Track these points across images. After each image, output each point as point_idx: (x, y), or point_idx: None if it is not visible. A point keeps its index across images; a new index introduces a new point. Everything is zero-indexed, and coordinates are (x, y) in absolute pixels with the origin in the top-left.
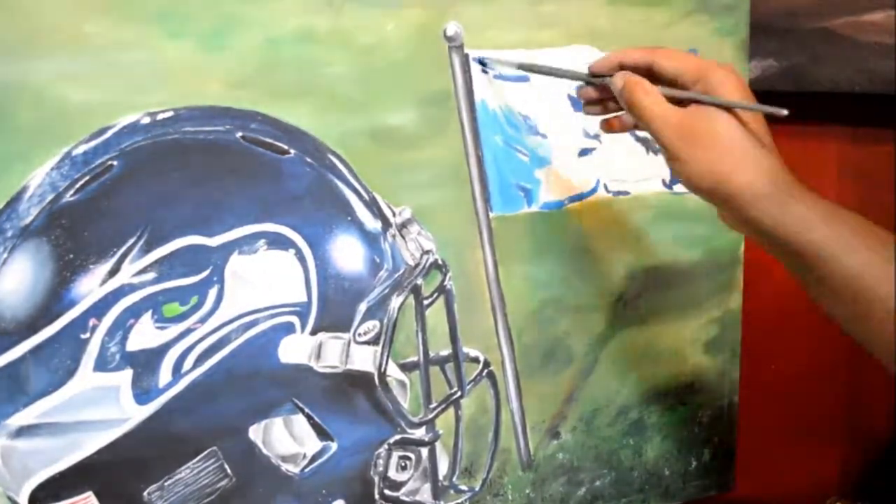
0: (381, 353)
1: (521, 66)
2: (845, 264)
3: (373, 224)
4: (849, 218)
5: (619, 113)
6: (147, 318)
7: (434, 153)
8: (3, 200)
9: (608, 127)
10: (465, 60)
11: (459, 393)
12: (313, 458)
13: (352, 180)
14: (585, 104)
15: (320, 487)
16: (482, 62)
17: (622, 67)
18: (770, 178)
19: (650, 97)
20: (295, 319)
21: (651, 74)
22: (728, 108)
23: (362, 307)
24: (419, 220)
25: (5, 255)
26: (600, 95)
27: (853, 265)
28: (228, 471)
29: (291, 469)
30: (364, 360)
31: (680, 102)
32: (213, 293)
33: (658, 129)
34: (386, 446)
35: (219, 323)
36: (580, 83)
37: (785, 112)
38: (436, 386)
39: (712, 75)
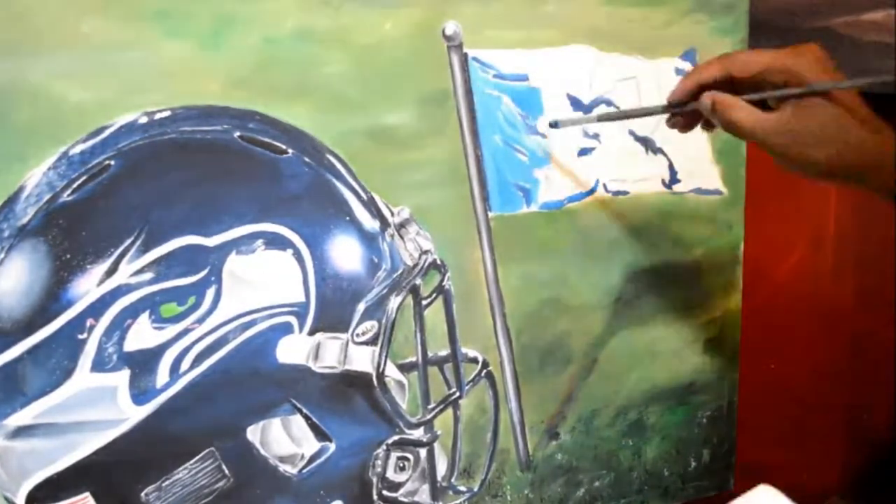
0: (380, 354)
1: (601, 118)
2: None
3: (371, 224)
4: None
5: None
6: (145, 318)
7: (433, 153)
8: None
9: (709, 128)
10: (464, 60)
11: (458, 393)
12: (311, 459)
13: (350, 180)
14: (681, 129)
15: (318, 488)
16: (554, 125)
17: (702, 87)
18: (882, 149)
19: (743, 112)
20: (293, 320)
21: (733, 83)
22: (819, 92)
23: (360, 307)
24: (418, 219)
25: (2, 256)
26: (690, 121)
27: None
28: (226, 471)
29: (289, 470)
30: (362, 360)
31: (774, 101)
32: (210, 293)
33: (763, 140)
34: (384, 447)
35: (217, 323)
36: (667, 116)
37: (891, 78)
38: (434, 386)
39: (794, 63)
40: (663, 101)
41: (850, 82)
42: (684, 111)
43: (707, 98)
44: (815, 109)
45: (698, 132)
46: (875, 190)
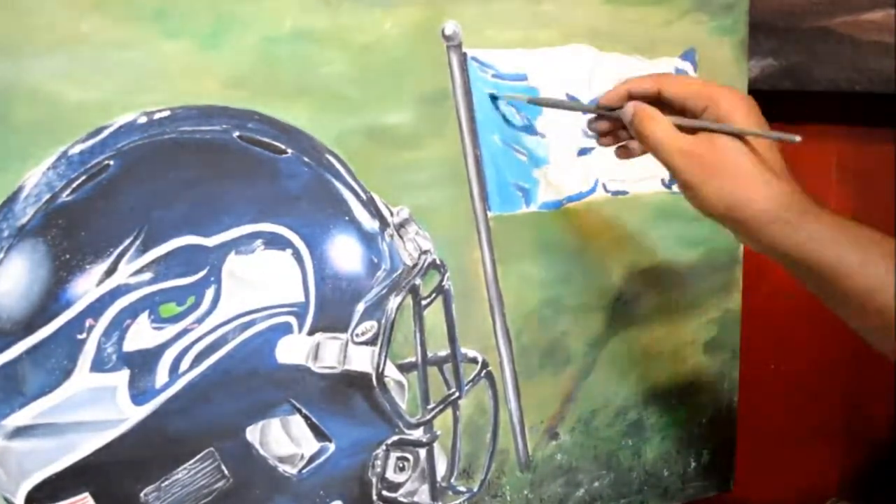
0: (379, 354)
1: (532, 101)
2: (861, 279)
3: (370, 224)
4: (862, 233)
5: (630, 141)
6: (144, 318)
7: (432, 153)
8: None
9: (623, 154)
10: (463, 60)
11: (457, 393)
12: (311, 459)
13: (349, 180)
14: (599, 136)
15: (318, 488)
16: (494, 98)
17: (631, 97)
18: (781, 201)
19: (659, 126)
20: (292, 320)
21: (660, 102)
22: (738, 135)
23: (360, 307)
24: (417, 219)
25: (1, 256)
26: (612, 127)
27: (870, 279)
28: (226, 472)
29: (289, 470)
30: (362, 360)
31: (691, 130)
32: (210, 293)
33: (668, 158)
34: (384, 447)
35: (216, 323)
36: (591, 116)
37: (797, 139)
38: (434, 386)
39: (721, 100)
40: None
41: (766, 133)
42: (610, 115)
43: (630, 106)
44: (728, 146)
45: None
46: (743, 239)
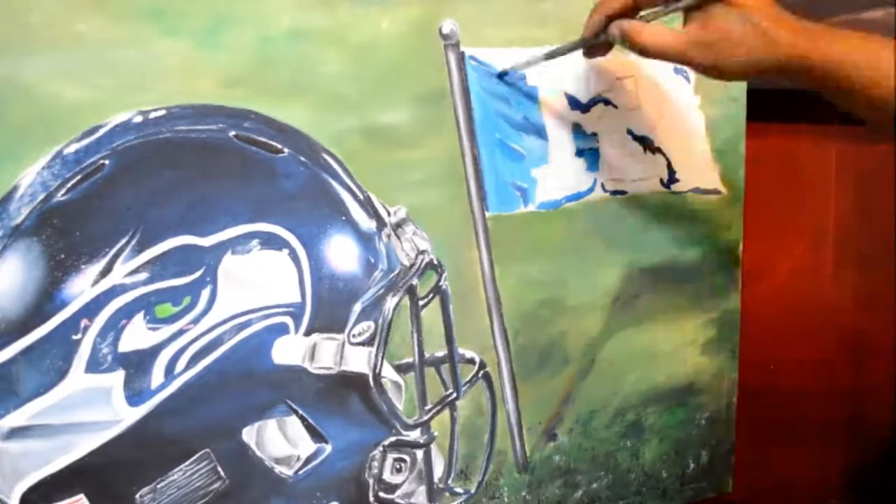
0: (376, 354)
1: (530, 63)
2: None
3: (367, 224)
4: (866, 37)
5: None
6: (139, 318)
7: (429, 152)
8: None
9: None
10: (461, 58)
11: (455, 394)
12: (307, 460)
13: (346, 180)
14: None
15: (314, 490)
16: (503, 74)
17: (610, 19)
18: (788, 41)
19: (652, 33)
20: (289, 320)
21: (637, 7)
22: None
23: (357, 308)
24: (414, 219)
25: None
26: (605, 52)
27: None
28: (221, 473)
29: (285, 471)
30: (359, 361)
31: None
32: (205, 294)
33: (678, 55)
34: (381, 448)
35: (212, 324)
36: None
37: None
38: (431, 387)
39: None
40: (660, 98)
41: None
42: (597, 43)
43: (615, 28)
44: (719, 16)
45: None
46: (798, 85)
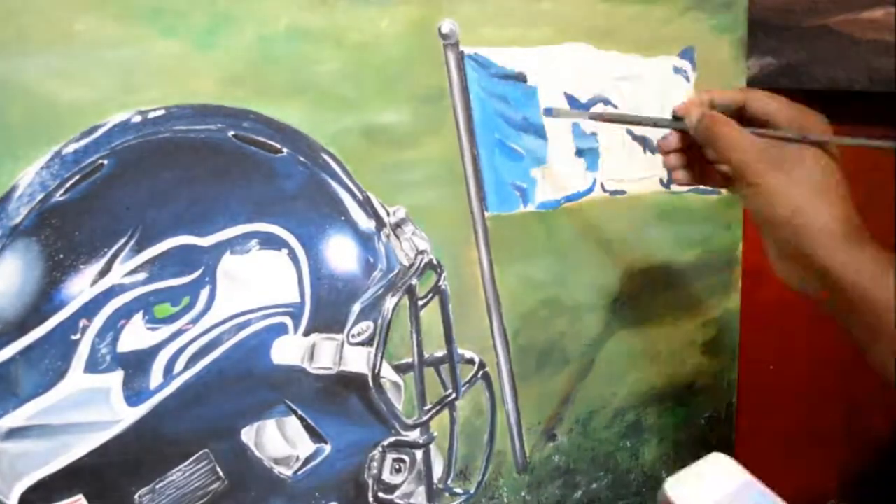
0: (375, 355)
1: (594, 117)
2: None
3: (367, 224)
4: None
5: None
6: (138, 318)
7: (429, 152)
8: None
9: (691, 179)
10: (461, 58)
11: (454, 394)
12: (306, 461)
13: (345, 179)
14: (665, 153)
15: (313, 490)
16: (548, 113)
17: (712, 107)
18: (846, 217)
19: (731, 126)
20: (288, 320)
21: (741, 117)
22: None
23: (356, 308)
24: (414, 219)
25: None
26: (683, 144)
27: None
28: (220, 473)
29: (284, 471)
30: (358, 361)
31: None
32: (204, 294)
33: (741, 156)
34: (380, 448)
35: (211, 324)
36: (664, 131)
37: (893, 144)
38: (430, 387)
39: (807, 122)
40: (660, 98)
41: (854, 140)
42: (676, 126)
43: (695, 111)
44: (808, 152)
45: None
46: (785, 263)
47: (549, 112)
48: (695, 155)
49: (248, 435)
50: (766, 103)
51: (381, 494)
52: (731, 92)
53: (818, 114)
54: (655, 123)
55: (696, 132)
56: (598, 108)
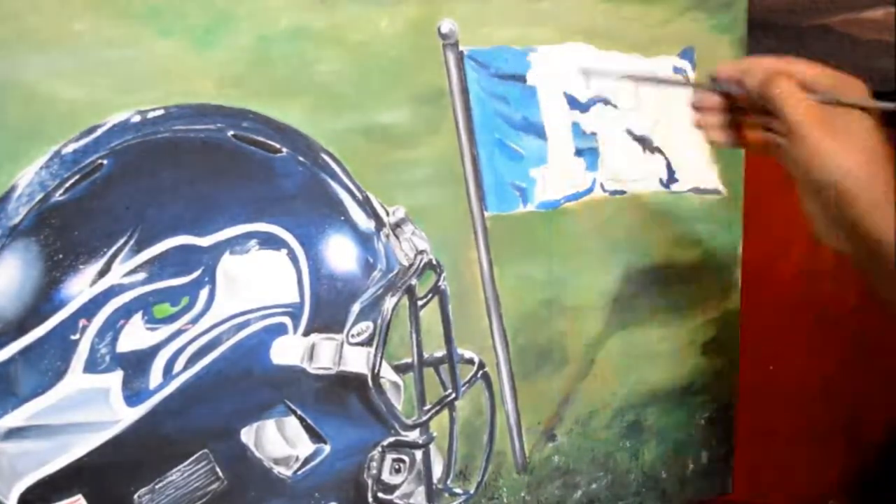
0: (375, 355)
1: (629, 77)
2: None
3: (366, 224)
4: None
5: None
6: (137, 318)
7: (428, 152)
8: None
9: (741, 141)
10: (460, 58)
11: (454, 395)
12: (306, 461)
13: (345, 179)
14: (699, 110)
15: (313, 490)
16: (584, 72)
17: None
18: (891, 181)
19: (793, 84)
20: (287, 320)
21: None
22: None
23: (356, 308)
24: (413, 219)
25: None
26: (722, 105)
27: None
28: (220, 473)
29: (284, 471)
30: (357, 361)
31: None
32: (204, 294)
33: (801, 116)
34: (379, 449)
35: (210, 324)
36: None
37: None
38: (430, 387)
39: (846, 87)
40: (659, 98)
41: None
42: (726, 89)
43: (759, 69)
44: (858, 117)
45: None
46: (823, 221)
47: (583, 72)
48: (726, 119)
49: (247, 435)
50: (805, 70)
51: (380, 494)
52: (769, 60)
53: (856, 79)
54: (694, 85)
55: (758, 85)
56: (599, 108)
